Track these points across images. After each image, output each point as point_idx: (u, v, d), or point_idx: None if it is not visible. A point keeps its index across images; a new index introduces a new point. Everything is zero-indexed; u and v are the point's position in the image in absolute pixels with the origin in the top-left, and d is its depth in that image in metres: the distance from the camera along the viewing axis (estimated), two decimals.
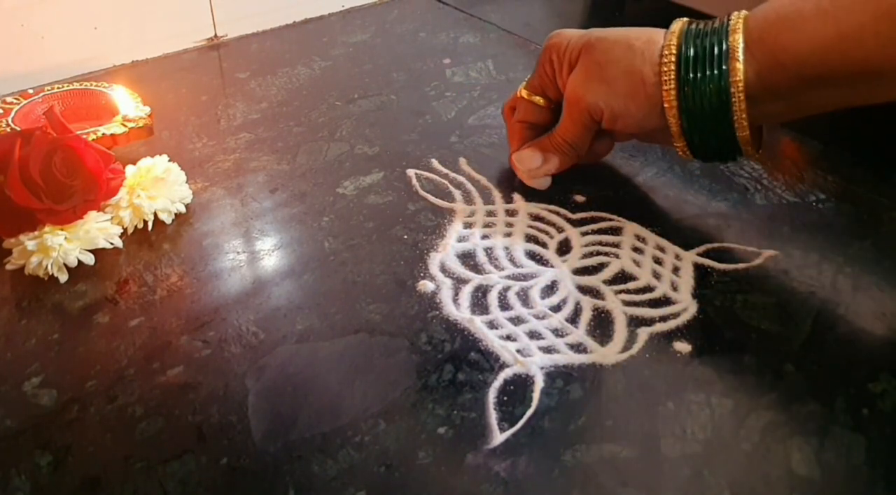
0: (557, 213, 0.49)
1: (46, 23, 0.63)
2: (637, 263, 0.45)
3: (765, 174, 0.53)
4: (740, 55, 0.41)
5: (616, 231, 0.48)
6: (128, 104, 0.55)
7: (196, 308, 0.42)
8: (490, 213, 0.50)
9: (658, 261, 0.45)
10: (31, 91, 0.57)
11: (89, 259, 0.44)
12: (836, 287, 0.43)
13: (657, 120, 0.45)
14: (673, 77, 0.43)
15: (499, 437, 0.35)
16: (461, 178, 0.53)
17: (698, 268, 0.45)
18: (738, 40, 0.41)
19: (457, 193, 0.51)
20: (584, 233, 0.48)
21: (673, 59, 0.43)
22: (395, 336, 0.40)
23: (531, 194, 0.51)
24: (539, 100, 0.51)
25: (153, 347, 0.39)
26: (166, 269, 0.45)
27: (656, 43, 0.44)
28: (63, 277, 0.44)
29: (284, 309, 0.42)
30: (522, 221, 0.49)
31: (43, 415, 0.36)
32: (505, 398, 0.37)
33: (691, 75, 0.43)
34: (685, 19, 0.45)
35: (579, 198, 0.51)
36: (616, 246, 0.47)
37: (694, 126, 0.44)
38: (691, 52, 0.43)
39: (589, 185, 0.52)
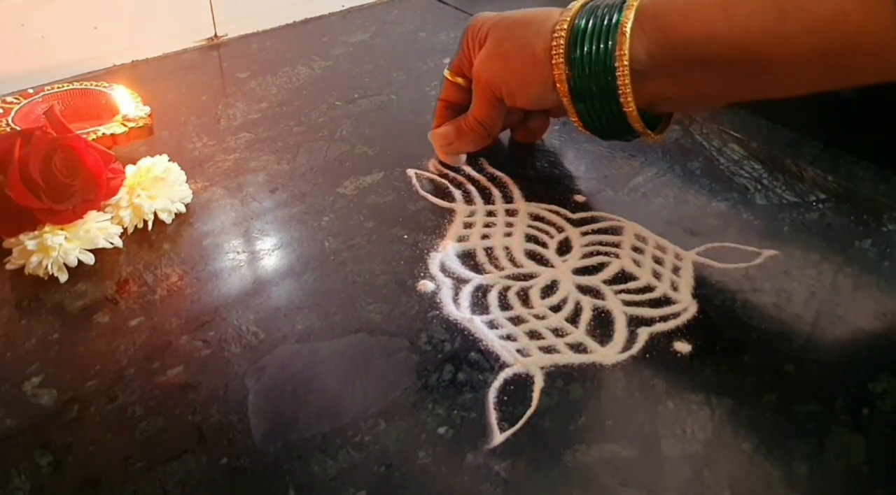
0: (557, 213, 0.49)
1: (46, 22, 0.63)
2: (637, 263, 0.45)
3: (765, 174, 0.53)
4: (628, 29, 0.42)
5: (616, 231, 0.48)
6: (128, 104, 0.55)
7: (196, 308, 0.42)
8: (490, 213, 0.50)
9: (658, 261, 0.45)
10: (31, 90, 0.57)
11: (89, 259, 0.45)
12: (836, 287, 0.43)
13: (552, 95, 0.46)
14: (562, 51, 0.44)
15: (499, 437, 0.35)
16: (461, 178, 0.53)
17: (698, 267, 0.45)
18: (629, 15, 0.42)
19: (457, 193, 0.51)
20: (585, 233, 0.48)
21: (563, 34, 0.44)
22: (396, 336, 0.40)
23: (531, 194, 0.51)
24: (460, 80, 0.52)
25: (153, 347, 0.39)
26: (166, 269, 0.45)
27: (552, 19, 0.45)
28: (63, 277, 0.44)
29: (284, 309, 0.42)
30: (522, 221, 0.49)
31: (43, 415, 0.36)
32: (505, 398, 0.37)
33: (579, 50, 0.43)
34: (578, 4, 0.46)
35: (579, 198, 0.51)
36: (616, 245, 0.47)
37: (583, 100, 0.45)
38: (582, 24, 0.43)
39: (589, 185, 0.52)
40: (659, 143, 0.50)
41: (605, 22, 0.43)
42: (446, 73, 0.53)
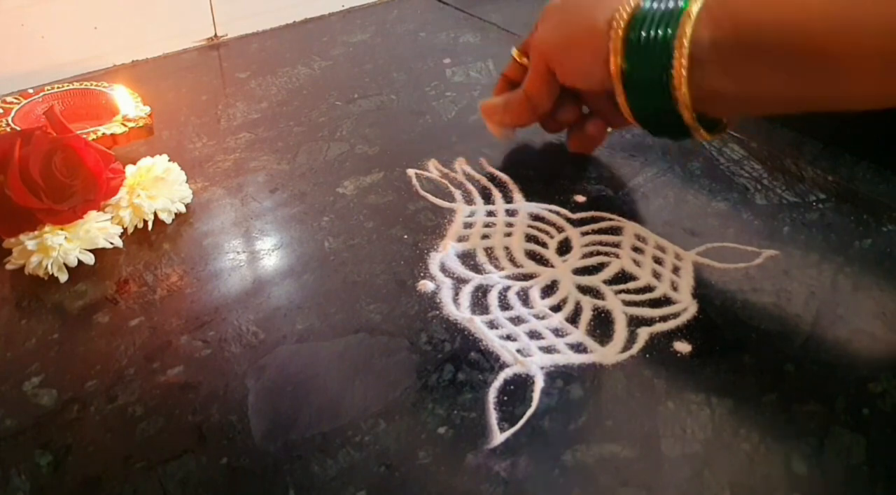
0: (557, 213, 0.49)
1: (47, 22, 0.63)
2: (637, 263, 0.45)
3: (765, 174, 0.53)
4: (695, 10, 0.40)
5: (616, 231, 0.48)
6: (128, 104, 0.55)
7: (196, 308, 0.42)
8: (490, 213, 0.50)
9: (658, 261, 0.45)
10: (31, 90, 0.57)
11: (89, 259, 0.44)
12: (836, 287, 0.43)
13: (602, 71, 0.44)
14: (623, 24, 0.42)
15: (499, 437, 0.35)
16: (461, 178, 0.53)
17: (698, 267, 0.45)
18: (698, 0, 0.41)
19: (457, 193, 0.51)
20: (585, 233, 0.48)
21: (628, 9, 0.43)
22: (396, 336, 0.40)
23: (531, 194, 0.51)
24: (525, 60, 0.51)
25: (153, 347, 0.39)
26: (166, 269, 0.45)
27: (613, 3, 0.44)
28: (63, 277, 0.44)
29: (284, 309, 0.42)
30: (522, 221, 0.49)
31: (43, 415, 0.36)
32: (505, 398, 0.37)
33: (640, 29, 0.42)
34: None
35: (579, 198, 0.51)
36: (616, 245, 0.47)
37: (634, 84, 0.43)
38: (648, 4, 0.42)
39: (589, 185, 0.52)
40: (709, 140, 0.48)
41: (672, 4, 0.41)
42: (514, 52, 0.53)
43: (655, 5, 0.42)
